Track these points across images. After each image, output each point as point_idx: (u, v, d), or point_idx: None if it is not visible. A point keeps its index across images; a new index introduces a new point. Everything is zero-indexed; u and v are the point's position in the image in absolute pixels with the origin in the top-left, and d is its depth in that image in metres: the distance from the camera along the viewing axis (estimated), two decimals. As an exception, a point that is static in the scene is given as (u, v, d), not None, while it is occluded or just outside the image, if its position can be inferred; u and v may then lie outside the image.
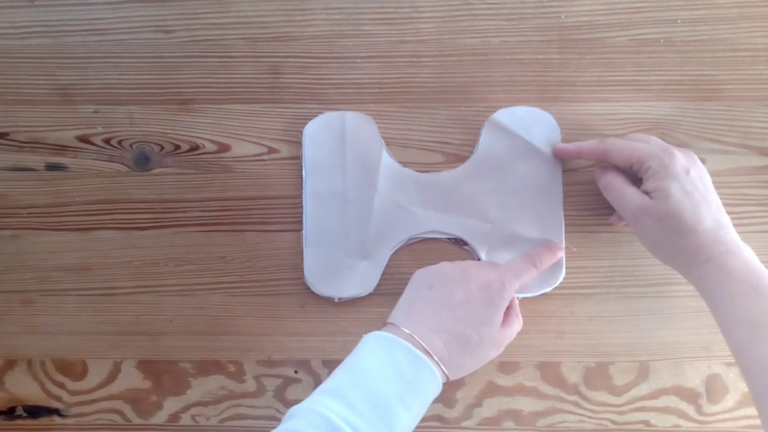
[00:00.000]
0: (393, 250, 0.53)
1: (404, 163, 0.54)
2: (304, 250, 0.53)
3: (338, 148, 0.53)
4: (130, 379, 0.54)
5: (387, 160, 0.53)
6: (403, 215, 0.53)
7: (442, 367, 0.43)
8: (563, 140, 0.53)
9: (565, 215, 0.53)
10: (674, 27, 0.53)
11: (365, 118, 0.53)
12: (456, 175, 0.53)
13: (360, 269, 0.53)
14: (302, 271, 0.53)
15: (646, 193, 0.46)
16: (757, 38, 0.53)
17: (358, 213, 0.53)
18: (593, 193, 0.53)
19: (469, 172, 0.53)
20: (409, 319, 0.45)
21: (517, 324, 0.48)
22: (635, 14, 0.53)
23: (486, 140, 0.53)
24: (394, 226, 0.53)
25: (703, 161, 0.53)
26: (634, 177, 0.48)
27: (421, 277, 0.47)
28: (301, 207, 0.53)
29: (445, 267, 0.47)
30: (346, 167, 0.53)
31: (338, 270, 0.53)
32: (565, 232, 0.53)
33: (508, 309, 0.47)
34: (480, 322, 0.45)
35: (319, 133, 0.53)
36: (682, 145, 0.53)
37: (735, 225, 0.52)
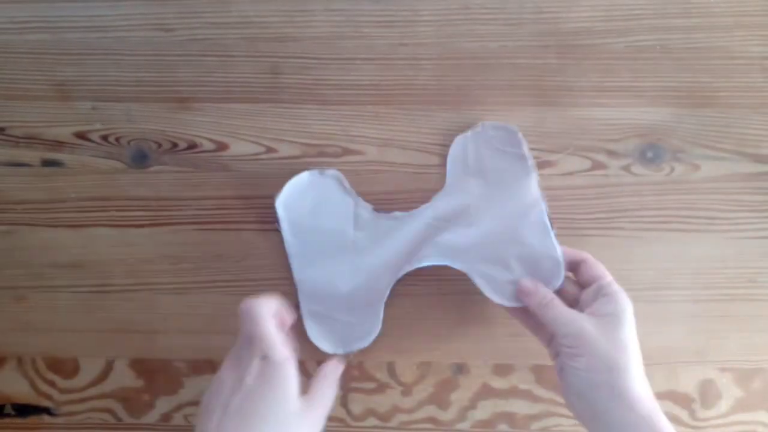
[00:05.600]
0: (387, 292, 0.51)
1: (402, 164, 0.54)
2: (304, 319, 0.52)
3: (310, 213, 0.53)
4: (123, 377, 0.53)
5: (361, 213, 0.53)
6: (389, 263, 0.52)
7: None
8: (558, 145, 0.53)
9: (557, 219, 0.52)
10: (670, 34, 0.54)
11: (330, 176, 0.53)
12: (432, 209, 0.53)
13: (361, 321, 0.52)
14: (299, 270, 0.53)
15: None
16: (752, 47, 0.54)
17: (346, 271, 0.52)
18: (586, 197, 0.53)
19: (444, 203, 0.53)
20: None
21: (328, 394, 0.41)
22: (632, 21, 0.54)
23: (453, 168, 0.53)
24: (381, 275, 0.52)
25: (697, 167, 0.53)
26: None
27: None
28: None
29: (217, 375, 0.41)
30: (324, 229, 0.53)
31: (341, 328, 0.52)
32: (558, 236, 0.51)
33: (316, 378, 0.42)
34: (261, 405, 0.38)
35: (292, 202, 0.53)
36: (677, 150, 0.54)
37: (729, 231, 0.52)
